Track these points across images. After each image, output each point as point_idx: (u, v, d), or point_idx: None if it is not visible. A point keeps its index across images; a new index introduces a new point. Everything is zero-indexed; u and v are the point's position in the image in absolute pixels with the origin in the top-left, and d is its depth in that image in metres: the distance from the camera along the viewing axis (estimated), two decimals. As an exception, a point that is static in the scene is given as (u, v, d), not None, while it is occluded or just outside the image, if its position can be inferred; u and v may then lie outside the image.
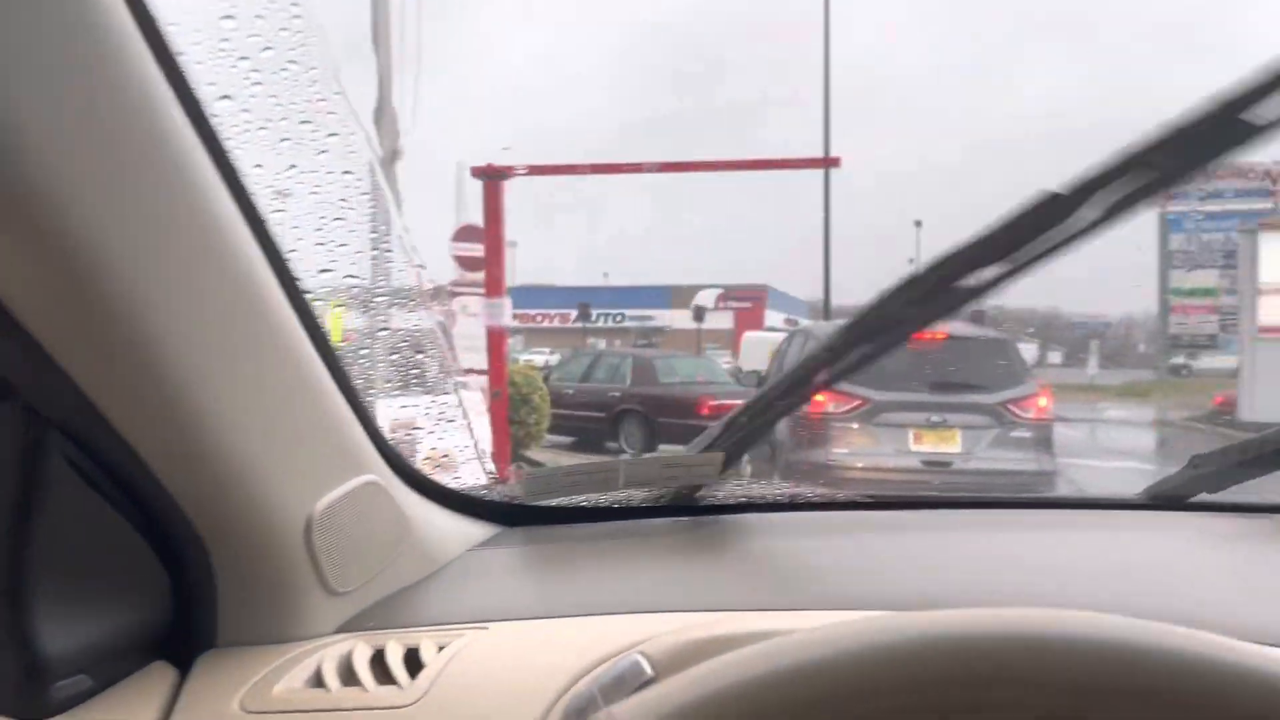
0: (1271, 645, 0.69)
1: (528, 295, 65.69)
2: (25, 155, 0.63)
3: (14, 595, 0.76)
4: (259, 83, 0.99)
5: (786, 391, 1.17)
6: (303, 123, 1.07)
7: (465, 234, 10.49)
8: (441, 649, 0.94)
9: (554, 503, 1.26)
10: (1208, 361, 40.76)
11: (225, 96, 0.86)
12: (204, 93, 0.77)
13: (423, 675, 0.90)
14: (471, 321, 9.01)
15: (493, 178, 7.94)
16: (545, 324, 65.26)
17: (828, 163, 11.70)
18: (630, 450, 15.54)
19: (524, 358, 47.05)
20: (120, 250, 0.70)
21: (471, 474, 1.36)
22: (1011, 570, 1.12)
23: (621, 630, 0.93)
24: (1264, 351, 21.74)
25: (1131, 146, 0.83)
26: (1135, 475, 15.09)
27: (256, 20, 1.00)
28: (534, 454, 12.40)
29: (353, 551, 0.98)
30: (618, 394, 15.72)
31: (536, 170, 9.02)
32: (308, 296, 0.93)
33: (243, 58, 0.97)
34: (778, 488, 1.43)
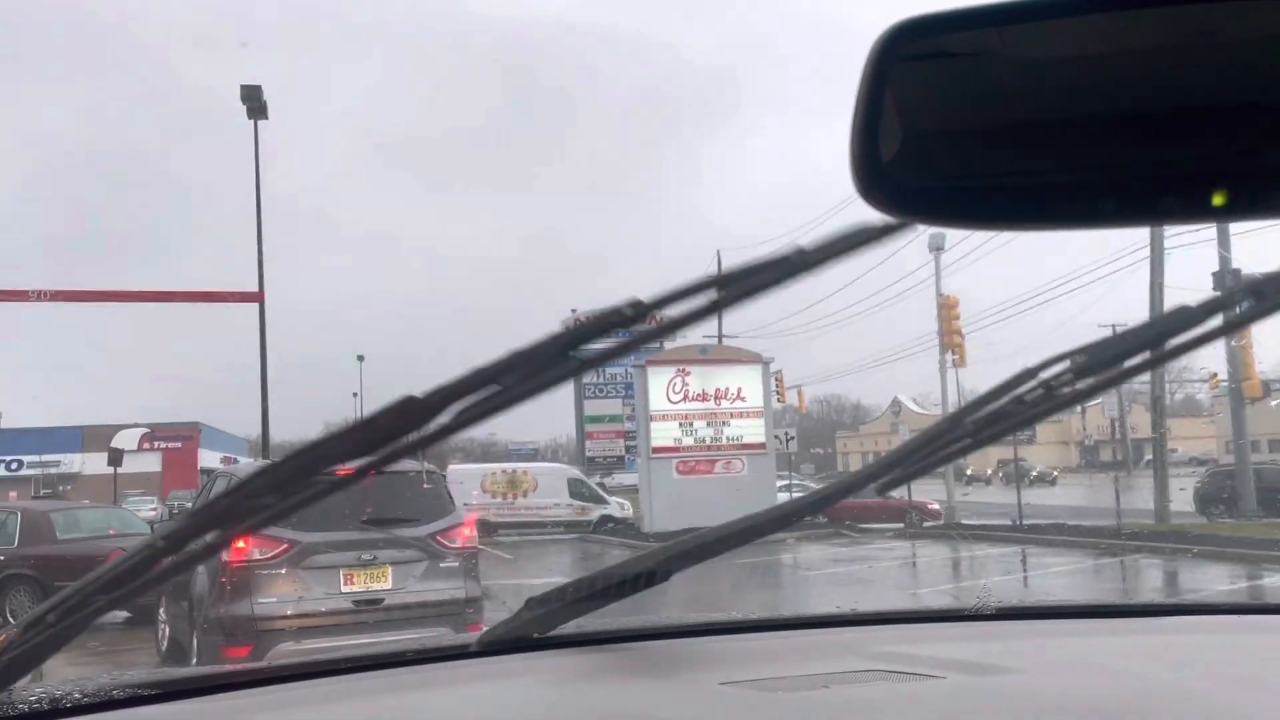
0: None
1: (-118, 442, 53.41)
2: None
3: None
4: None
5: (122, 579, 1.00)
6: None
7: None
8: None
9: None
10: (620, 479, 46.22)
11: None
12: None
13: None
14: None
15: None
16: (-93, 477, 53.35)
17: (254, 297, 11.26)
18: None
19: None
20: None
21: None
22: None
23: None
24: (657, 468, 25.34)
25: (483, 365, 0.95)
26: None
27: None
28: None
29: None
30: (2, 558, 13.32)
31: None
32: None
33: None
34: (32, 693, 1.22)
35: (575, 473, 31.03)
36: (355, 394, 63.62)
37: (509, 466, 30.61)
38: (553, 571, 17.90)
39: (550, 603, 1.42)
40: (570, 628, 1.55)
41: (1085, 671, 1.37)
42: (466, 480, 29.62)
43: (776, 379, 32.85)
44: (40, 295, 7.24)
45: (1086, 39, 0.73)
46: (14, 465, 56.77)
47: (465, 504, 29.98)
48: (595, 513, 28.48)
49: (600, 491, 30.89)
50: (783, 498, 26.94)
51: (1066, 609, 1.90)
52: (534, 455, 63.16)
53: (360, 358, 63.04)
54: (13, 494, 46.25)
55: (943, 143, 0.74)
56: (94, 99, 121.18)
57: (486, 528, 28.14)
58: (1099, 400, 44.49)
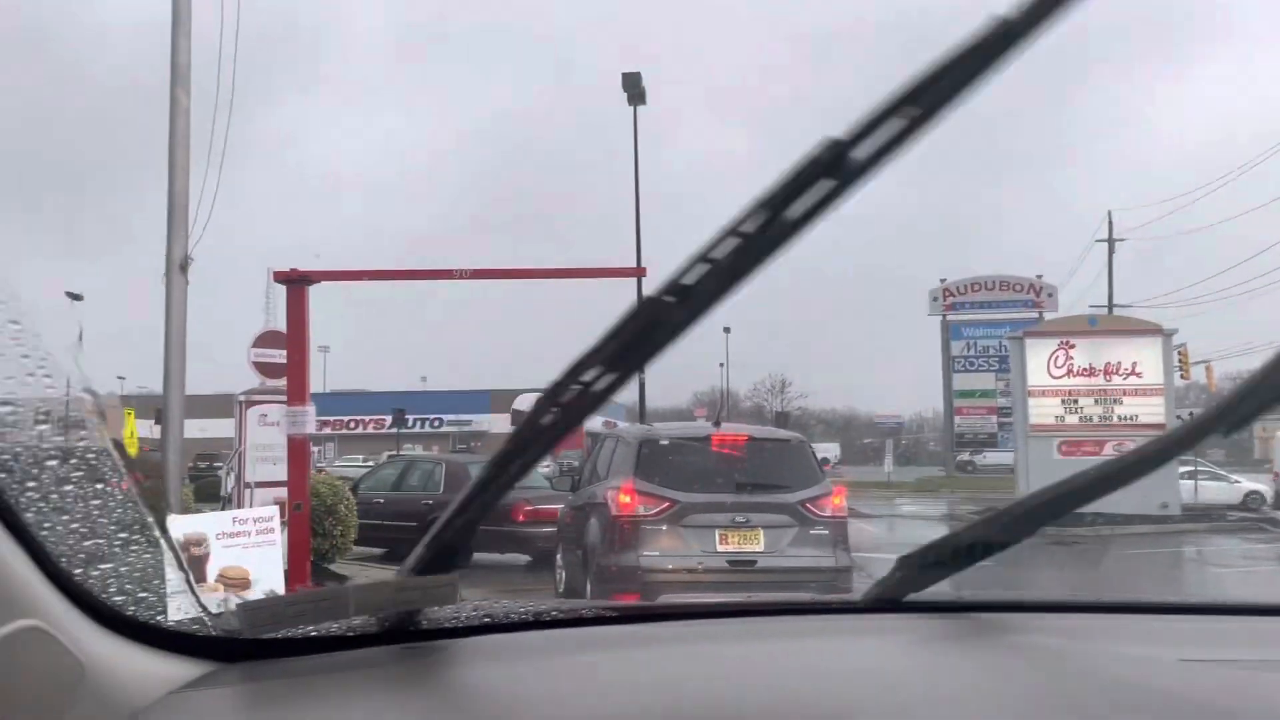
0: None
1: (341, 401, 63.67)
2: None
3: None
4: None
5: (477, 492, 1.14)
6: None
7: (266, 340, 10.14)
8: None
9: (280, 634, 1.16)
10: (991, 458, 43.82)
11: None
12: None
13: None
14: (270, 431, 8.64)
15: (296, 283, 7.75)
16: (359, 430, 63.22)
17: (636, 272, 12.09)
18: (444, 559, 15.15)
19: (339, 465, 45.33)
20: None
21: (189, 604, 1.22)
22: (736, 681, 1.14)
23: None
24: (1035, 448, 23.67)
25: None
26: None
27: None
28: (340, 567, 11.88)
29: (8, 710, 0.86)
30: (430, 502, 15.35)
31: (341, 275, 8.90)
32: None
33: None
34: (520, 606, 1.42)
35: None
36: (721, 364, 65.89)
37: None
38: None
39: (919, 561, 1.42)
40: (988, 595, 1.55)
41: None
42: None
43: (1180, 353, 29.39)
44: (462, 274, 8.29)
45: None
46: (436, 423, 65.18)
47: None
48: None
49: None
50: (1186, 485, 24.17)
51: None
52: (898, 429, 61.53)
53: (726, 329, 64.99)
54: (435, 447, 53.25)
55: None
56: (509, 93, 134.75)
57: None
58: None
